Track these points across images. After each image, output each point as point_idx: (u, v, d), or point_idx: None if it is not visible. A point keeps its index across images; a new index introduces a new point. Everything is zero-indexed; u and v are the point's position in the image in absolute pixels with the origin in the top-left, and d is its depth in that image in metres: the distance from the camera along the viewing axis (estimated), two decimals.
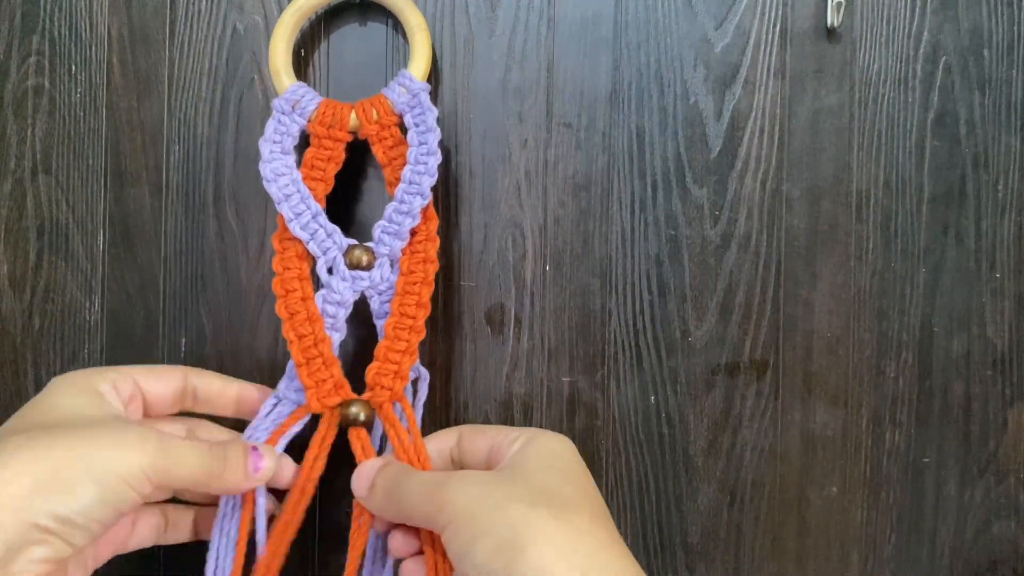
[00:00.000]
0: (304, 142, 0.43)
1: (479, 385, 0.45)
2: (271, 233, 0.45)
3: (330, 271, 0.42)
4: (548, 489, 0.35)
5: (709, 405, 0.44)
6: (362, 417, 0.41)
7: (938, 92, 0.44)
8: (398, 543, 0.39)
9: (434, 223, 0.43)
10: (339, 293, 0.42)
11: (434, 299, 0.45)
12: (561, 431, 0.45)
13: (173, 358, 0.46)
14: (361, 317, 0.43)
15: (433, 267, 0.42)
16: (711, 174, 0.44)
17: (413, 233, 0.42)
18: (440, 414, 0.45)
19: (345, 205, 0.45)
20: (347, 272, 0.42)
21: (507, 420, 0.45)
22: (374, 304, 0.42)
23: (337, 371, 0.41)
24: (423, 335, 0.42)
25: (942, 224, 0.44)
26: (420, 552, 0.38)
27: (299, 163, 0.43)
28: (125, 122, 0.47)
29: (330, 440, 0.41)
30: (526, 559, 0.31)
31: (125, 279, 0.47)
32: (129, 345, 0.47)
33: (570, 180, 0.45)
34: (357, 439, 0.41)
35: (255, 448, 0.38)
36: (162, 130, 0.47)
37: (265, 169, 0.42)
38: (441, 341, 0.45)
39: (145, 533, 0.40)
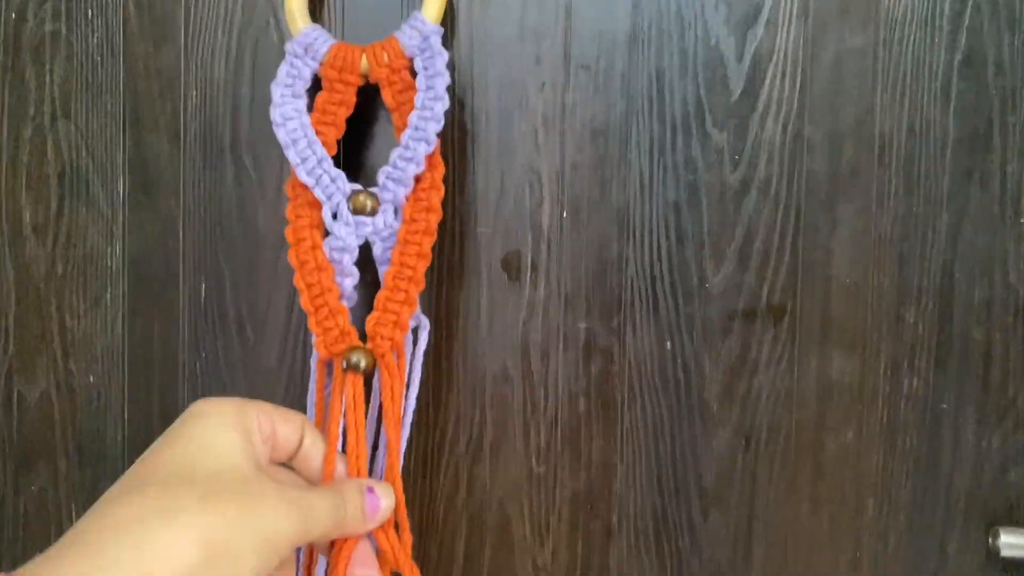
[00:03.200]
0: (316, 86, 0.43)
1: (496, 332, 0.46)
2: (287, 179, 0.46)
3: (335, 217, 0.42)
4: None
5: (725, 351, 0.44)
6: (363, 365, 0.41)
7: (966, 33, 0.43)
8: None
9: (439, 171, 0.42)
10: (342, 239, 0.42)
11: (450, 246, 0.45)
12: (577, 377, 0.45)
13: (194, 303, 0.47)
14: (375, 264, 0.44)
15: (436, 216, 0.42)
16: (731, 117, 0.44)
17: (418, 180, 0.42)
18: (456, 360, 0.46)
19: (358, 151, 0.45)
20: (351, 217, 0.42)
21: (524, 367, 0.45)
22: (376, 251, 0.42)
23: (343, 319, 0.41)
24: (423, 286, 0.42)
25: (966, 169, 0.43)
26: None
27: (310, 108, 0.43)
28: (142, 68, 0.47)
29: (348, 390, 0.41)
30: None
31: (145, 225, 0.47)
32: (151, 291, 0.47)
33: (588, 125, 0.44)
34: (351, 385, 0.41)
35: (371, 489, 0.38)
36: (179, 76, 0.47)
37: (275, 113, 0.42)
38: (458, 288, 0.46)
39: None
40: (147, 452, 0.34)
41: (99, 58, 0.47)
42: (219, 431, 0.35)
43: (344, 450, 0.40)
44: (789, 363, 0.44)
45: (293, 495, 0.34)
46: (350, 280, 0.42)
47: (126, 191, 0.47)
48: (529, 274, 0.45)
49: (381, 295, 0.41)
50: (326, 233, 0.43)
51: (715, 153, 0.44)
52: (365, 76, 0.43)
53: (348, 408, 0.40)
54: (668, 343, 0.45)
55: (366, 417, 0.41)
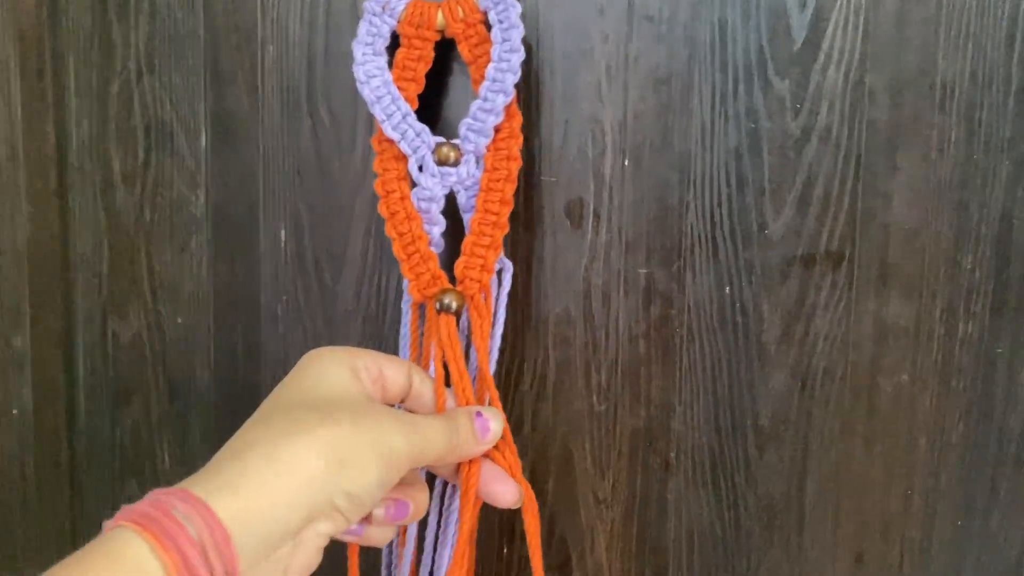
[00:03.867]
0: (394, 43, 0.45)
1: (559, 276, 0.47)
2: (362, 129, 0.48)
3: (421, 169, 0.44)
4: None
5: (784, 295, 0.46)
6: (454, 305, 0.43)
7: None
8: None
9: (517, 120, 0.44)
10: (429, 189, 0.44)
11: (516, 194, 0.47)
12: (637, 320, 0.47)
13: (275, 248, 0.49)
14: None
15: (516, 164, 0.44)
16: (794, 66, 0.44)
17: (497, 130, 0.44)
18: (521, 304, 0.48)
19: (436, 104, 0.47)
20: (436, 168, 0.44)
21: (586, 309, 0.47)
22: (461, 199, 0.45)
23: (434, 264, 0.44)
24: (507, 230, 0.44)
25: None
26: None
27: (390, 64, 0.44)
28: (221, 23, 0.49)
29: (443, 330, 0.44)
30: None
31: (227, 174, 0.50)
32: (233, 237, 0.50)
33: (651, 74, 0.45)
34: (445, 325, 0.43)
35: (479, 414, 0.41)
36: (256, 31, 0.49)
37: (358, 71, 0.43)
38: (522, 234, 0.47)
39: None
40: (272, 393, 0.38)
41: (180, 14, 0.49)
42: (333, 368, 0.38)
43: (448, 384, 0.43)
44: (846, 307, 0.46)
45: (406, 417, 0.38)
46: (438, 228, 0.44)
47: (208, 142, 0.50)
48: (591, 221, 0.47)
49: (468, 240, 0.44)
50: (413, 184, 0.45)
51: (776, 101, 0.45)
52: (441, 31, 0.44)
53: (445, 346, 0.42)
54: (727, 288, 0.46)
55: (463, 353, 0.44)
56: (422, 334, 0.45)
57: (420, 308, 0.45)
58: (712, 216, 0.46)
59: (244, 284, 0.50)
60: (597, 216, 0.47)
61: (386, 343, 0.49)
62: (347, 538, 0.38)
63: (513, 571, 0.50)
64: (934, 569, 0.46)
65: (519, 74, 0.43)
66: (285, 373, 0.48)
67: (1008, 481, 0.45)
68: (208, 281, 0.51)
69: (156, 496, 0.31)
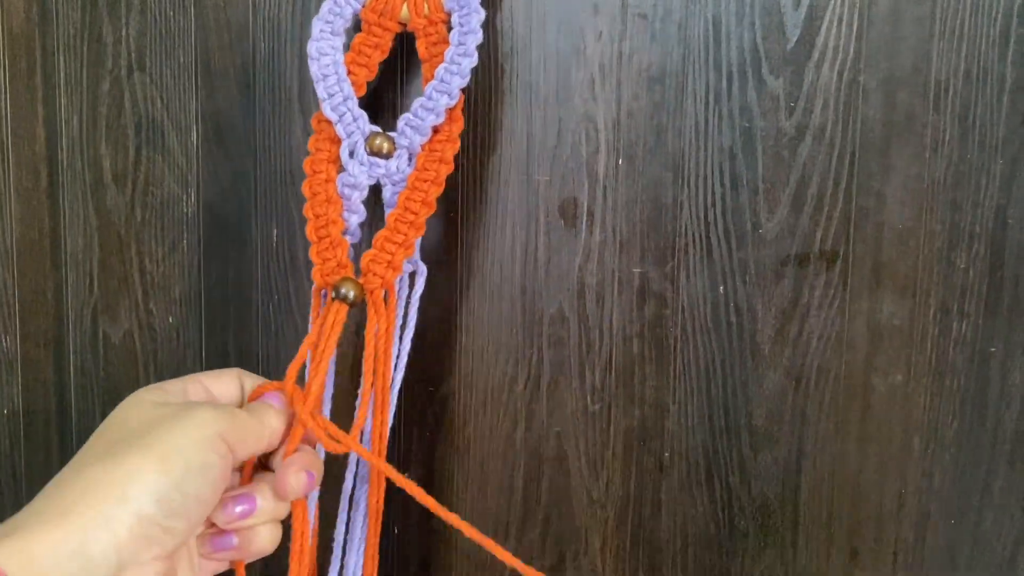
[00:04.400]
0: (355, 27, 0.44)
1: (553, 276, 0.47)
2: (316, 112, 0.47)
3: (352, 155, 0.44)
4: None
5: (778, 295, 0.46)
6: (351, 295, 0.42)
7: None
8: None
9: (458, 126, 0.43)
10: (355, 176, 0.43)
11: (508, 192, 0.47)
12: (631, 320, 0.47)
13: (266, 247, 0.49)
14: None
15: (447, 168, 0.43)
16: (787, 64, 0.44)
17: (435, 131, 0.43)
18: (515, 303, 0.48)
19: (388, 98, 0.47)
20: (366, 157, 0.43)
21: (580, 309, 0.47)
22: (386, 194, 0.44)
23: (342, 252, 0.43)
24: (422, 232, 0.43)
25: (1022, 115, 0.44)
26: None
27: (347, 48, 0.44)
28: (212, 20, 0.49)
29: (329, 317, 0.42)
30: None
31: (219, 173, 0.50)
32: (225, 236, 0.50)
33: (644, 73, 0.45)
34: (334, 312, 0.41)
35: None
36: (248, 28, 0.48)
37: (311, 47, 0.43)
38: (516, 233, 0.47)
39: None
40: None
41: (172, 12, 0.49)
42: (140, 409, 0.36)
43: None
44: (840, 307, 0.45)
45: (220, 406, 0.36)
46: (356, 217, 0.44)
47: (199, 140, 0.49)
48: (585, 220, 0.47)
49: (380, 234, 0.43)
50: (342, 170, 0.44)
51: (771, 100, 0.45)
52: (404, 24, 0.44)
53: (324, 332, 0.41)
54: (721, 287, 0.46)
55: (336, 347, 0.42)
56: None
57: (324, 298, 0.43)
58: (706, 215, 0.46)
59: (235, 283, 0.50)
60: (591, 215, 0.47)
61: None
62: (226, 557, 0.37)
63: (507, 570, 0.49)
64: (928, 568, 0.46)
65: (467, 79, 0.42)
66: (277, 372, 0.48)
67: (1001, 480, 0.45)
68: (199, 281, 0.50)
69: None
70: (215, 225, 0.50)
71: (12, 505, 0.53)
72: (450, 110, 0.43)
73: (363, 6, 0.44)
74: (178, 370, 0.51)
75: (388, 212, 0.44)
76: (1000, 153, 0.44)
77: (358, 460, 0.44)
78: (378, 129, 0.44)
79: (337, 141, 0.44)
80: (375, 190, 0.44)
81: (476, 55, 0.42)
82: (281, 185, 0.49)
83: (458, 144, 0.43)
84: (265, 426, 0.37)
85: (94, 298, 0.52)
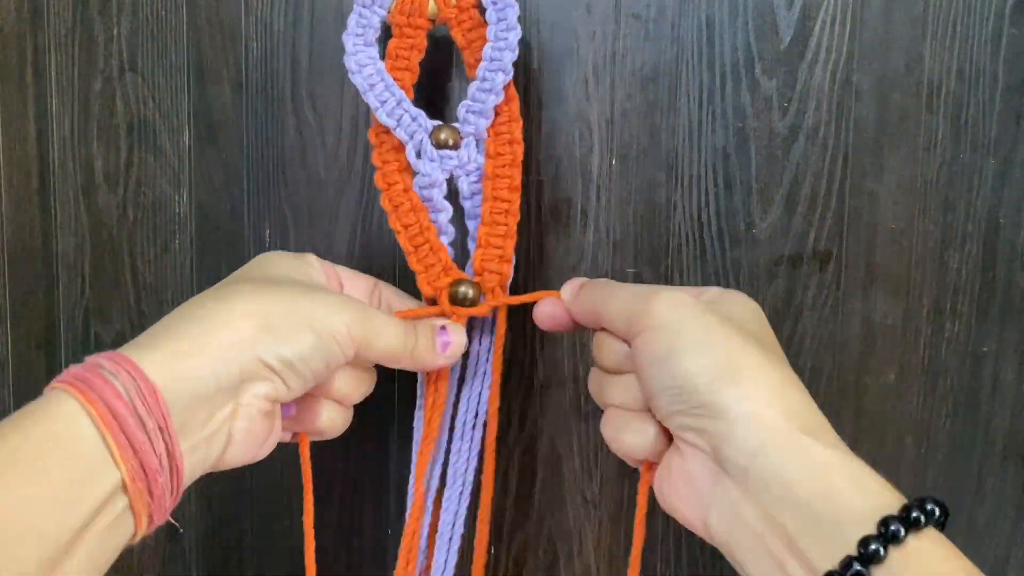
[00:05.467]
0: (386, 34, 0.44)
1: (546, 276, 0.47)
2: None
3: (419, 155, 0.43)
4: (753, 332, 0.35)
5: (771, 295, 0.46)
6: (470, 295, 0.42)
7: None
8: (547, 312, 0.41)
9: (516, 103, 0.43)
10: (429, 175, 0.43)
11: None
12: None
13: (259, 247, 0.49)
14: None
15: (520, 148, 0.43)
16: (781, 65, 0.44)
17: (496, 113, 0.43)
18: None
19: (433, 95, 0.47)
20: (434, 152, 0.43)
21: None
22: (462, 185, 0.43)
23: (444, 255, 0.42)
24: (518, 218, 0.43)
25: (1015, 115, 0.44)
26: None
27: (382, 55, 0.44)
28: (204, 20, 0.48)
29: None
30: (739, 387, 0.32)
31: (211, 173, 0.49)
32: (217, 236, 0.50)
33: (638, 73, 0.45)
34: (459, 319, 0.42)
35: (443, 328, 0.41)
36: (240, 28, 0.48)
37: (350, 62, 0.43)
38: None
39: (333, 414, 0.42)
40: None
41: (164, 12, 0.49)
42: (281, 261, 0.40)
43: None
44: (833, 307, 0.46)
45: (355, 303, 0.38)
46: (444, 215, 0.43)
47: (191, 140, 0.49)
48: (579, 220, 0.47)
49: (482, 231, 0.42)
50: (414, 175, 0.43)
51: (764, 100, 0.45)
52: (432, 19, 0.44)
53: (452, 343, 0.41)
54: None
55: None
56: None
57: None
58: (699, 216, 0.46)
59: None
60: (585, 216, 0.47)
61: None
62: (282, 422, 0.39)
63: (500, 570, 0.49)
64: None
65: (517, 52, 0.42)
66: None
67: (994, 480, 0.46)
68: (192, 281, 0.50)
69: (88, 359, 0.33)
70: (207, 225, 0.50)
71: None
72: (505, 88, 0.42)
73: (388, 11, 0.43)
74: None
75: (469, 205, 0.43)
76: (992, 153, 0.44)
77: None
78: (439, 122, 0.43)
79: (399, 149, 0.43)
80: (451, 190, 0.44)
81: (519, 27, 0.42)
82: (274, 185, 0.49)
83: (521, 122, 0.43)
84: (415, 358, 0.39)
85: (86, 299, 0.51)
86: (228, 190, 0.49)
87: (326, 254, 0.48)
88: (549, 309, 0.41)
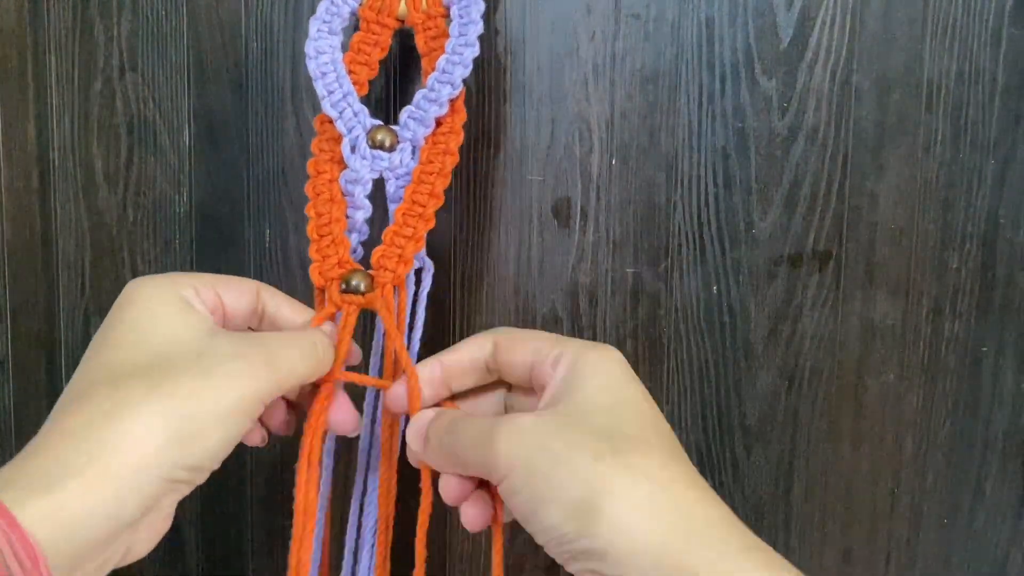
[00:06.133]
0: (355, 26, 0.44)
1: (546, 275, 0.47)
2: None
3: (353, 150, 0.43)
4: (611, 430, 0.31)
5: (771, 295, 0.46)
6: (362, 286, 0.41)
7: None
8: (451, 488, 0.36)
9: (460, 116, 0.43)
10: (356, 171, 0.43)
11: (502, 193, 0.47)
12: (624, 320, 0.47)
13: (259, 248, 0.49)
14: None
15: (452, 160, 0.43)
16: (780, 65, 0.44)
17: (438, 123, 0.43)
18: (509, 303, 0.48)
19: (392, 97, 0.47)
20: (368, 151, 0.43)
21: (573, 309, 0.47)
22: (390, 187, 0.43)
23: (344, 250, 0.42)
24: (432, 225, 0.42)
25: (1014, 115, 0.44)
26: (475, 493, 0.36)
27: (346, 47, 0.44)
28: (205, 20, 0.48)
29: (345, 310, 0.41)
30: (603, 521, 0.29)
31: (211, 173, 0.49)
32: (218, 236, 0.50)
33: (637, 73, 0.45)
34: (347, 306, 0.40)
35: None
36: (240, 28, 0.48)
37: (309, 47, 0.43)
38: (509, 233, 0.47)
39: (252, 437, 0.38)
40: (89, 349, 0.33)
41: (164, 11, 0.49)
42: (159, 308, 0.33)
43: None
44: (833, 307, 0.46)
45: (254, 351, 0.33)
46: (361, 213, 0.43)
47: (192, 140, 0.49)
48: (578, 220, 0.47)
49: (389, 230, 0.42)
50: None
51: (763, 100, 0.45)
52: (401, 20, 0.44)
53: (342, 329, 0.40)
54: (714, 287, 0.46)
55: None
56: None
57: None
58: (699, 216, 0.46)
59: None
60: (584, 215, 0.47)
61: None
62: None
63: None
64: (920, 567, 0.47)
65: (469, 69, 0.42)
66: None
67: (993, 480, 0.46)
68: None
69: None
70: (208, 225, 0.50)
71: None
72: (452, 101, 0.43)
73: (360, 4, 0.44)
74: None
75: (393, 208, 0.43)
76: (992, 153, 0.44)
77: (369, 451, 0.44)
78: (379, 122, 0.43)
79: (338, 139, 0.43)
80: (379, 189, 0.44)
81: (478, 45, 0.42)
82: (274, 185, 0.49)
83: (462, 135, 0.43)
84: (320, 371, 0.36)
85: (86, 299, 0.51)
86: (228, 190, 0.49)
87: None
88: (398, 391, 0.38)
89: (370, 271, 0.42)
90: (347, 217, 0.43)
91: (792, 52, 0.44)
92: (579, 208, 0.47)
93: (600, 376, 0.33)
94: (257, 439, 0.37)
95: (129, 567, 0.52)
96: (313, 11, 0.47)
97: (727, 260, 0.46)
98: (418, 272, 0.43)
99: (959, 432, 0.46)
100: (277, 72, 0.48)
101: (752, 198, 0.45)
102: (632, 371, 0.35)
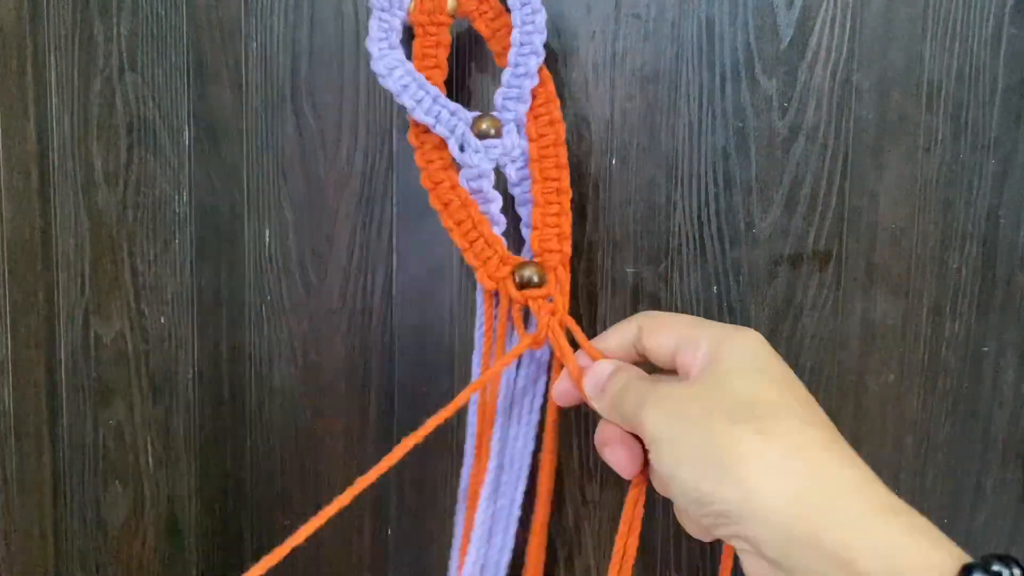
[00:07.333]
0: (408, 35, 0.44)
1: None
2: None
3: (462, 149, 0.42)
4: (749, 398, 0.33)
5: (771, 295, 0.46)
6: (536, 278, 0.41)
7: None
8: (608, 433, 0.39)
9: (551, 84, 0.43)
10: (476, 166, 0.42)
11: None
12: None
13: (259, 247, 0.49)
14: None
15: (561, 127, 0.43)
16: (781, 65, 0.44)
17: (534, 96, 0.43)
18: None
19: (464, 89, 0.47)
20: (478, 143, 0.42)
21: (573, 309, 0.47)
22: (510, 172, 0.43)
23: (500, 246, 0.42)
24: (570, 195, 0.42)
25: (1015, 115, 0.44)
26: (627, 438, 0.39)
27: (408, 56, 0.44)
28: (204, 20, 0.48)
29: (513, 312, 0.42)
30: (736, 482, 0.30)
31: (211, 173, 0.49)
32: (217, 236, 0.50)
33: (638, 72, 0.45)
34: (530, 299, 0.41)
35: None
36: (240, 27, 0.48)
37: (378, 66, 0.42)
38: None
39: None
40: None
41: (163, 11, 0.49)
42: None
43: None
44: (833, 307, 0.45)
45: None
46: (495, 205, 0.43)
47: (191, 140, 0.49)
48: (578, 220, 0.47)
49: (536, 212, 0.42)
50: (459, 169, 0.43)
51: (764, 100, 0.45)
52: (453, 14, 0.44)
53: (542, 327, 0.40)
54: (714, 287, 0.46)
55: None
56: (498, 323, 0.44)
57: (495, 298, 0.43)
58: (699, 215, 0.46)
59: (228, 284, 0.50)
60: (584, 215, 0.47)
61: (372, 342, 0.49)
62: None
63: None
64: None
65: (545, 33, 0.42)
66: (270, 373, 0.47)
67: (993, 480, 0.46)
68: (191, 281, 0.50)
69: None
70: (207, 225, 0.50)
71: (2, 508, 0.53)
72: (539, 70, 0.43)
73: (408, 12, 0.43)
74: (171, 371, 0.51)
75: (518, 192, 0.43)
76: (992, 153, 0.44)
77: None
78: (477, 114, 0.43)
79: (441, 146, 0.43)
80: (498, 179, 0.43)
81: (544, 9, 0.42)
82: (274, 185, 0.49)
83: (559, 101, 0.43)
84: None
85: (85, 299, 0.51)
86: (228, 190, 0.49)
87: (326, 254, 0.48)
88: (564, 386, 0.40)
89: (534, 259, 0.42)
90: (483, 215, 0.42)
91: (792, 52, 0.44)
92: (579, 208, 0.46)
93: (739, 352, 0.35)
94: None
95: (129, 567, 0.52)
96: (314, 10, 0.47)
97: (727, 260, 0.46)
98: None
99: (959, 432, 0.46)
100: (277, 72, 0.48)
101: (752, 198, 0.45)
102: (772, 348, 0.36)
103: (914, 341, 0.45)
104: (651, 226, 0.46)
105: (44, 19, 0.50)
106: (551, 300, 0.41)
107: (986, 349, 0.45)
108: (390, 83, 0.42)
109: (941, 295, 0.45)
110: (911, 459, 0.46)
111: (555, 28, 0.45)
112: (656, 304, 0.46)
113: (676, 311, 0.46)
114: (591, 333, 0.47)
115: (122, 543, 0.52)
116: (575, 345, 0.41)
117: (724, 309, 0.46)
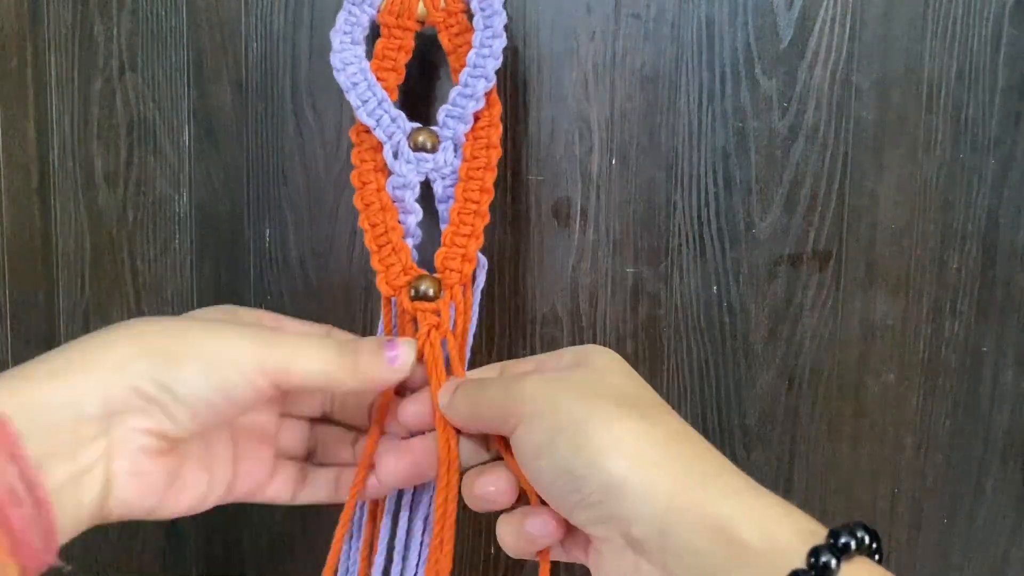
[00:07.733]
0: (375, 33, 0.44)
1: (547, 275, 0.47)
2: (347, 127, 0.47)
3: (396, 156, 0.43)
4: (627, 392, 0.34)
5: (771, 295, 0.46)
6: (431, 292, 0.41)
7: None
8: (467, 451, 0.38)
9: (497, 109, 0.43)
10: (403, 176, 0.43)
11: (502, 192, 0.47)
12: (624, 320, 0.47)
13: (259, 248, 0.49)
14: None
15: (496, 153, 0.43)
16: (781, 65, 0.44)
17: (476, 118, 0.43)
18: (509, 303, 0.48)
19: (420, 98, 0.47)
20: (411, 154, 0.43)
21: (573, 309, 0.47)
22: (437, 188, 0.43)
23: (406, 256, 0.42)
24: (487, 219, 0.43)
25: (1014, 115, 0.44)
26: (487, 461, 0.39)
27: (370, 55, 0.44)
28: (204, 20, 0.48)
29: (406, 323, 0.42)
30: (625, 456, 0.31)
31: (211, 173, 0.49)
32: (217, 236, 0.50)
33: (638, 73, 0.45)
34: (420, 311, 0.41)
35: (389, 340, 0.38)
36: (240, 27, 0.48)
37: (335, 59, 0.43)
38: (509, 233, 0.47)
39: (281, 486, 0.40)
40: None
41: (163, 11, 0.49)
42: (212, 309, 0.40)
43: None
44: (833, 307, 0.46)
45: (267, 331, 0.35)
46: (413, 217, 0.43)
47: (191, 140, 0.49)
48: (578, 220, 0.47)
49: (448, 231, 0.43)
50: (389, 175, 0.44)
51: (764, 100, 0.45)
52: (421, 21, 0.44)
53: (422, 336, 0.40)
54: (714, 287, 0.46)
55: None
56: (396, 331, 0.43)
57: (393, 306, 0.43)
58: (699, 215, 0.46)
59: (228, 284, 0.50)
60: (584, 215, 0.47)
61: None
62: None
63: (500, 570, 0.49)
64: (920, 567, 0.47)
65: (500, 60, 0.42)
66: None
67: (993, 479, 0.46)
68: (191, 281, 0.50)
69: None
70: (207, 225, 0.50)
71: None
72: (487, 94, 0.43)
73: (378, 11, 0.44)
74: None
75: (444, 208, 0.43)
76: (992, 153, 0.44)
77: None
78: (418, 125, 0.43)
79: (378, 148, 0.43)
80: (426, 192, 0.44)
81: (504, 35, 0.42)
82: (274, 185, 0.49)
83: (500, 128, 0.43)
84: (360, 375, 0.36)
85: (85, 299, 0.51)
86: (228, 190, 0.49)
87: (326, 254, 0.48)
88: (413, 408, 0.39)
89: (435, 274, 0.42)
90: (400, 223, 0.43)
91: (792, 52, 0.44)
92: (579, 208, 0.47)
93: (606, 358, 0.37)
94: (286, 486, 0.40)
95: (129, 567, 0.52)
96: (313, 10, 0.47)
97: (727, 260, 0.46)
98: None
99: (959, 432, 0.46)
100: (277, 72, 0.48)
101: (752, 198, 0.45)
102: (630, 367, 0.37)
103: (914, 341, 0.45)
104: (651, 226, 0.46)
105: (44, 19, 0.50)
106: (439, 315, 0.41)
107: (986, 349, 0.45)
108: (342, 78, 0.43)
109: (941, 295, 0.45)
110: (911, 459, 0.46)
111: (555, 28, 0.45)
112: (656, 304, 0.46)
113: (676, 311, 0.46)
114: (591, 332, 0.47)
115: (122, 543, 0.52)
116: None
117: (724, 309, 0.46)
